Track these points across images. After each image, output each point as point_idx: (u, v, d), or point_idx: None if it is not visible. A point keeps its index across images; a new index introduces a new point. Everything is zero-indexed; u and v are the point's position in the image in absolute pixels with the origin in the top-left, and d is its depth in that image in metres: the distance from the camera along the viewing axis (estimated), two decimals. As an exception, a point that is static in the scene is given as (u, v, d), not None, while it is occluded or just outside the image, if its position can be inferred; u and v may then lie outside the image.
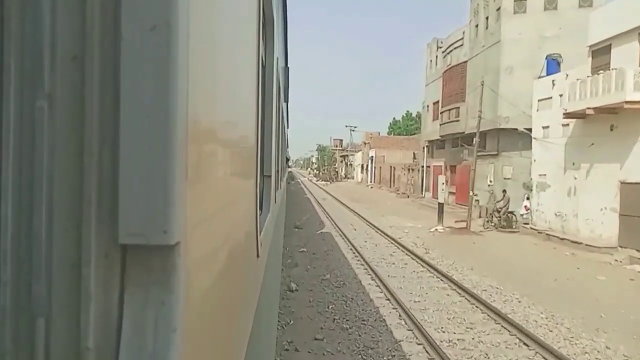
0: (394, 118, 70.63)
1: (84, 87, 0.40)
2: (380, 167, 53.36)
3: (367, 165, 61.41)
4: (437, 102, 34.43)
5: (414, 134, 62.23)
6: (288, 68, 5.39)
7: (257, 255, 1.26)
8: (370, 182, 58.41)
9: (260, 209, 1.71)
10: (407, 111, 68.36)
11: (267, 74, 2.07)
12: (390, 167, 48.56)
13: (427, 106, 38.39)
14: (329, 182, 68.08)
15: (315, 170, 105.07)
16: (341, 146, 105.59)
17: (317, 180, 70.74)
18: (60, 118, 0.41)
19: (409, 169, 42.44)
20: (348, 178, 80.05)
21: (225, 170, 0.67)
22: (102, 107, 0.40)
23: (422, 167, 38.85)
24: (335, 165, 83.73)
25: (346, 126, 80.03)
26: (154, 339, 0.41)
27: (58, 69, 0.40)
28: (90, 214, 0.41)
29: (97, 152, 0.40)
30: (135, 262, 0.42)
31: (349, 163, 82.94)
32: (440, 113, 32.93)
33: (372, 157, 58.64)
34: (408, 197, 39.79)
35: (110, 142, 0.40)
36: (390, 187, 49.08)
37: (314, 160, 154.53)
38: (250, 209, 1.06)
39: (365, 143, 64.40)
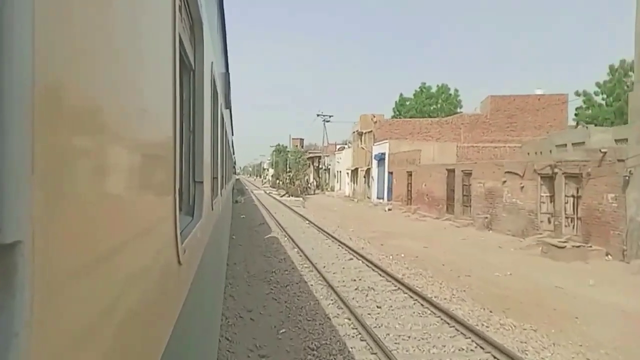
0: (400, 95, 46.93)
1: None
2: (411, 174, 28.48)
3: (372, 170, 36.51)
4: None
5: (438, 115, 38.56)
6: (229, 74, 5.18)
7: (179, 263, 1.22)
8: (384, 198, 33.42)
9: (191, 215, 1.96)
10: (423, 84, 45.17)
11: (196, 78, 2.09)
12: (450, 171, 23.72)
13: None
14: (300, 198, 42.83)
15: (272, 179, 79.29)
16: (302, 146, 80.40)
17: (282, 195, 45.17)
18: None
19: (550, 175, 17.90)
20: (323, 190, 55.04)
21: (109, 171, 0.64)
22: None
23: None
24: (305, 171, 58.51)
25: (318, 115, 55.32)
26: None
27: None
28: None
29: None
30: None
31: (323, 168, 57.96)
32: None
33: (382, 154, 33.87)
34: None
35: None
36: (435, 209, 24.48)
37: (265, 166, 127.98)
38: (164, 214, 1.03)
39: (361, 134, 39.69)
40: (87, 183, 0.56)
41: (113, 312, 0.66)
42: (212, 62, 2.49)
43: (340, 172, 49.84)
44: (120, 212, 0.71)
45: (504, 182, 18.23)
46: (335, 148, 59.85)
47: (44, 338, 0.43)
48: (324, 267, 12.10)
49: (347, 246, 15.10)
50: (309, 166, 64.09)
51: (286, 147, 79.18)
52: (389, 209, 29.50)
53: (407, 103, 45.24)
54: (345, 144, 62.91)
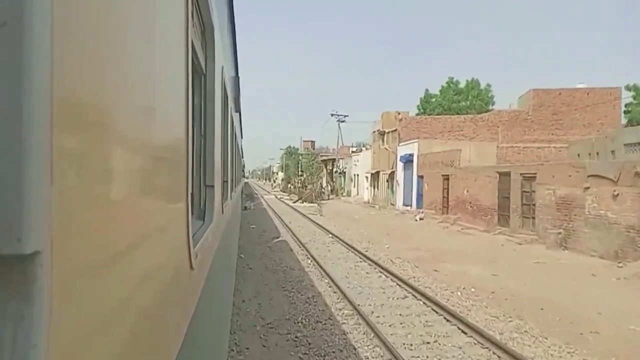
0: (426, 91, 42.87)
1: None
2: (448, 178, 24.55)
3: (397, 174, 32.62)
4: None
5: (468, 112, 34.54)
6: (238, 78, 5.23)
7: (191, 267, 1.22)
8: (412, 205, 29.48)
9: (202, 219, 2.00)
10: (451, 78, 41.10)
11: (207, 82, 2.12)
12: (502, 175, 19.68)
13: None
14: (314, 204, 39.09)
15: (283, 184, 75.57)
16: (313, 149, 76.72)
17: (295, 202, 41.46)
18: None
19: None
20: (338, 195, 51.23)
21: (124, 177, 0.65)
22: None
23: None
24: (319, 174, 54.75)
25: (332, 115, 51.66)
26: (10, 356, 0.38)
27: None
28: None
29: None
30: None
31: (339, 171, 54.17)
32: None
33: (409, 156, 29.97)
34: None
35: None
36: (481, 220, 20.55)
37: (275, 169, 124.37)
38: (177, 218, 1.03)
39: (383, 134, 35.85)
40: (103, 191, 0.56)
41: (128, 317, 0.67)
42: (222, 67, 2.54)
43: (358, 175, 45.99)
44: (135, 217, 0.71)
45: (586, 188, 14.26)
46: (349, 151, 56.00)
47: (62, 348, 0.43)
48: (372, 312, 8.30)
49: (392, 274, 11.26)
50: (322, 170, 60.37)
51: (297, 149, 75.41)
52: (421, 219, 25.57)
53: (433, 100, 41.26)
54: (360, 146, 59.06)
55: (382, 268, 12.09)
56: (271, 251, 15.58)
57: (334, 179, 56.70)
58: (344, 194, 50.54)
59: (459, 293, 9.82)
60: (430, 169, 27.15)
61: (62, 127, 0.43)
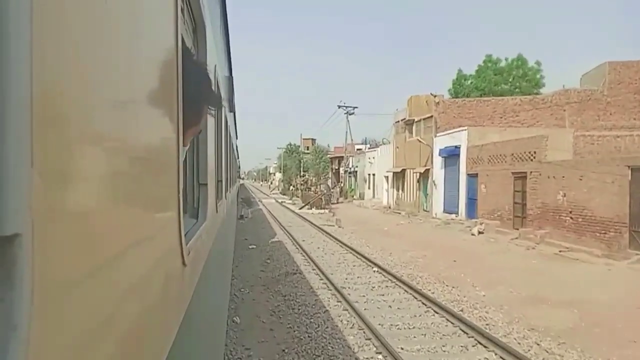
0: (459, 71, 35.94)
1: None
2: (526, 177, 17.55)
3: (433, 172, 25.63)
4: None
5: (516, 91, 27.53)
6: (232, 77, 5.18)
7: (184, 264, 1.22)
8: (459, 213, 22.36)
9: (196, 217, 2.02)
10: (488, 56, 34.13)
11: None
12: (637, 171, 12.75)
13: None
14: (327, 210, 32.31)
15: (283, 185, 68.48)
16: (313, 146, 69.80)
17: (301, 207, 34.52)
18: None
19: None
20: (347, 197, 44.38)
21: (109, 165, 0.65)
22: None
23: None
24: (326, 174, 47.83)
25: (339, 107, 44.89)
26: None
27: None
28: None
29: None
30: None
31: (349, 171, 47.28)
32: None
33: (454, 148, 23.03)
34: None
35: None
36: (595, 239, 13.67)
37: (272, 170, 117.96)
38: (168, 213, 1.06)
39: (410, 124, 28.94)
40: (88, 179, 0.57)
41: (116, 308, 0.66)
42: (215, 65, 2.48)
43: (374, 175, 39.11)
44: (121, 204, 0.71)
45: None
46: (354, 149, 48.98)
47: (44, 331, 0.43)
48: None
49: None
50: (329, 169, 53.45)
51: (299, 146, 68.39)
52: (480, 232, 18.69)
53: (469, 82, 34.45)
54: (370, 143, 52.17)
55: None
56: (286, 307, 8.62)
57: (341, 180, 49.77)
58: (355, 197, 43.62)
59: None
60: (489, 164, 20.27)
61: (44, 113, 0.42)
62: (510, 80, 33.57)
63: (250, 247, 16.88)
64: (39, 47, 0.41)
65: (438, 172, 25.14)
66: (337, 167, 53.51)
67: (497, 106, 25.46)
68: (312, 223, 23.91)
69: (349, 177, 47.84)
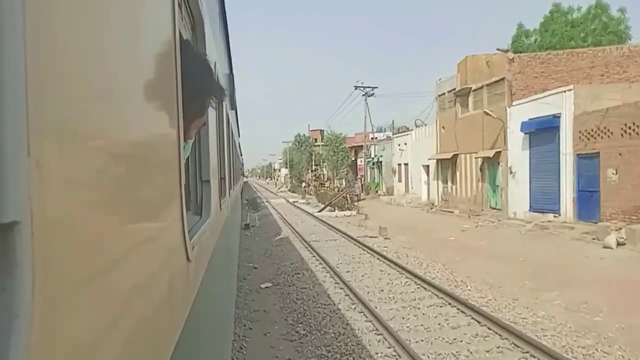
0: (519, 27, 28.78)
1: None
2: None
3: (508, 156, 18.47)
4: None
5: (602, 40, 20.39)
6: (233, 75, 5.14)
7: (188, 259, 1.22)
8: (560, 213, 15.19)
9: (199, 214, 2.04)
10: (556, 5, 26.76)
11: None
12: None
13: None
14: (353, 211, 25.47)
15: (293, 182, 61.46)
16: (322, 138, 62.63)
17: (321, 210, 27.60)
18: None
19: None
20: (368, 193, 37.42)
21: (108, 157, 0.65)
22: None
23: None
24: (345, 167, 40.85)
25: (356, 87, 37.73)
26: None
27: None
28: None
29: None
30: None
31: (372, 162, 40.25)
32: None
33: (552, 118, 15.86)
34: None
35: None
36: None
37: (276, 166, 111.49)
38: (171, 208, 1.06)
39: (467, 92, 21.86)
40: (88, 171, 0.57)
41: (120, 301, 0.65)
42: (215, 62, 2.37)
43: (406, 165, 32.05)
44: (122, 196, 0.70)
45: None
46: (368, 139, 41.65)
47: (46, 320, 0.43)
48: None
49: None
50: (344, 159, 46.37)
51: (308, 138, 61.23)
52: (620, 244, 11.67)
53: (532, 39, 27.23)
54: (382, 132, 44.98)
55: None
56: None
57: (360, 173, 42.73)
58: (381, 192, 36.60)
59: None
60: (623, 138, 13.19)
61: (41, 104, 0.43)
62: (587, 33, 26.33)
63: (262, 286, 10.02)
64: (36, 39, 0.41)
65: (518, 154, 18.06)
66: (353, 158, 46.45)
67: (596, 59, 18.31)
68: (343, 233, 16.98)
69: (371, 169, 40.77)
